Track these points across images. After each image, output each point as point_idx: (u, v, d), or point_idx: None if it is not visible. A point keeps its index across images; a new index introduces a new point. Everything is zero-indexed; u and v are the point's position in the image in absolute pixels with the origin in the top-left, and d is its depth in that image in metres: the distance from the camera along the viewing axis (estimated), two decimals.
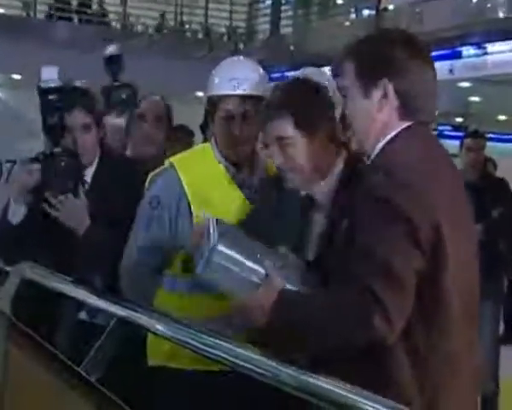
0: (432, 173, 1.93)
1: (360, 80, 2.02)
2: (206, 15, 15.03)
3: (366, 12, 12.66)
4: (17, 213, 2.93)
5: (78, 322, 3.05)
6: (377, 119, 2.02)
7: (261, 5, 15.65)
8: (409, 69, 2.00)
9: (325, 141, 2.31)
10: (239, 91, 2.64)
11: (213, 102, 2.69)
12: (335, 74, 2.15)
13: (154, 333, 2.29)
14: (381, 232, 1.86)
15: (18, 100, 12.71)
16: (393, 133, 2.00)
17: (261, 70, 2.75)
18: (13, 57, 12.00)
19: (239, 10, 15.46)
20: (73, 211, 2.93)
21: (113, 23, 14.26)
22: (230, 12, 15.32)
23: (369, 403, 1.55)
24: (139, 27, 14.61)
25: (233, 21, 15.29)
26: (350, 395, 1.59)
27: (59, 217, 2.91)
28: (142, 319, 2.32)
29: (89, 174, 3.10)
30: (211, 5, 15.06)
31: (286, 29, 14.77)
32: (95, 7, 14.34)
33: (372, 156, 2.04)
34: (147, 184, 2.77)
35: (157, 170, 2.77)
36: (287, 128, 2.27)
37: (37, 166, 2.89)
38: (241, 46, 14.18)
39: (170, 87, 12.29)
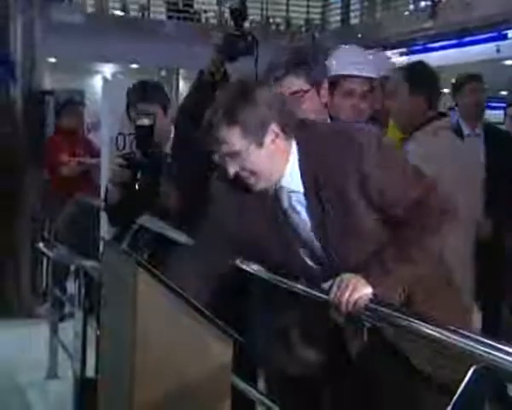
0: None
1: (249, 138, 1.91)
2: (287, 10, 14.93)
3: (423, 3, 12.33)
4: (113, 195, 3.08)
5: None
6: (276, 154, 1.96)
7: (333, 0, 15.42)
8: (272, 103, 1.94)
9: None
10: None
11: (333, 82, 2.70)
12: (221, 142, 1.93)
13: None
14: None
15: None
16: (293, 149, 1.98)
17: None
18: (131, 50, 12.23)
19: (314, 5, 15.28)
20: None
21: (211, 20, 14.24)
22: (307, 6, 15.16)
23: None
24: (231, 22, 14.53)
25: (310, 14, 15.14)
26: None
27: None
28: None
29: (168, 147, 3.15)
30: (291, 1, 14.95)
31: (354, 20, 14.52)
32: (196, 6, 14.35)
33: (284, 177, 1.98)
34: None
35: None
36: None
37: (127, 171, 3.01)
38: (317, 35, 14.00)
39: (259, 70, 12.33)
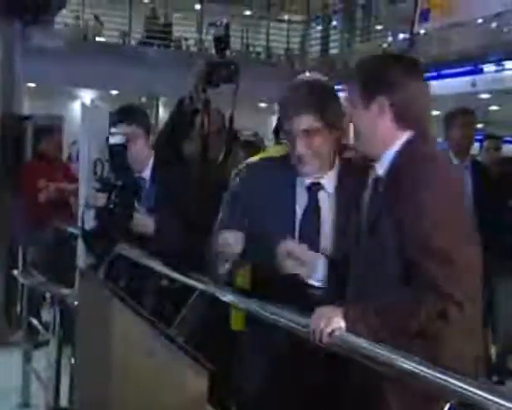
0: None
1: (362, 95, 2.01)
2: (267, 40, 15.08)
3: (401, 36, 12.52)
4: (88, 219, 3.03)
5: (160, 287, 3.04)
6: (377, 127, 2.00)
7: (312, 31, 15.59)
8: (403, 86, 1.97)
9: (338, 136, 2.26)
10: None
11: None
12: (348, 90, 2.07)
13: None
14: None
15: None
16: (399, 143, 1.97)
17: None
18: (111, 76, 12.25)
19: (294, 34, 15.45)
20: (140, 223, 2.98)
21: (192, 47, 14.34)
22: (287, 36, 15.32)
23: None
24: (213, 50, 14.65)
25: (290, 44, 15.29)
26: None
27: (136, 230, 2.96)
28: (215, 290, 2.40)
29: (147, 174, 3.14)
30: (271, 30, 15.09)
31: (333, 50, 14.70)
32: (177, 33, 14.45)
33: (382, 161, 2.00)
34: (231, 181, 2.81)
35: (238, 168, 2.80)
36: (313, 121, 2.20)
37: (102, 195, 2.96)
38: (297, 65, 14.14)
39: (238, 99, 12.42)
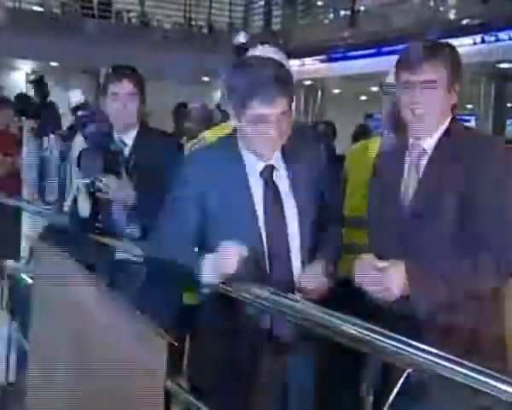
0: None
1: (449, 80, 2.05)
2: (209, 13, 14.95)
3: (342, 12, 12.58)
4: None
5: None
6: (448, 108, 2.10)
7: (255, 5, 15.53)
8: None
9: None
10: None
11: None
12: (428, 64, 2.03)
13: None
14: None
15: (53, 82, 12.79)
16: (447, 122, 2.10)
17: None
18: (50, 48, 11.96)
19: (237, 9, 15.36)
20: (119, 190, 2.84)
21: (133, 20, 14.11)
22: (230, 11, 15.22)
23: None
24: (155, 23, 14.48)
25: (232, 19, 15.20)
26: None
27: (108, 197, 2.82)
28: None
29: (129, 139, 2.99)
30: (214, 5, 14.97)
31: (276, 26, 14.68)
32: (119, 6, 14.18)
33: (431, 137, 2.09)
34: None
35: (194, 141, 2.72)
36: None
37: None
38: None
39: (181, 73, 12.37)
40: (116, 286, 2.65)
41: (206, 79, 13.53)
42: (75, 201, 2.90)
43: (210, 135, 2.72)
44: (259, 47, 2.68)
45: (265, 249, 2.17)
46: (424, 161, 2.10)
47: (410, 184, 2.11)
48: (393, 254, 1.98)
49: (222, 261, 2.03)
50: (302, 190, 2.23)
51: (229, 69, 2.25)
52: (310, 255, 2.22)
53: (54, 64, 13.51)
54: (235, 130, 2.25)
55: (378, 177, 2.28)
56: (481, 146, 2.06)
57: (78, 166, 2.82)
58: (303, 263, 2.21)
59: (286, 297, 1.94)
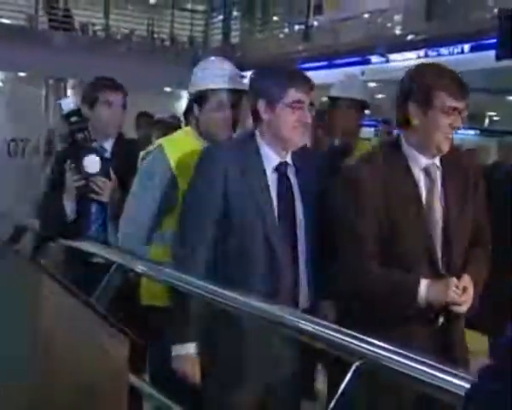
0: None
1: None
2: (171, 27, 14.86)
3: (297, 27, 12.64)
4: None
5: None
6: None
7: (215, 19, 15.50)
8: None
9: None
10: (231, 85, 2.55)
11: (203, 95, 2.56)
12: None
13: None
14: None
15: (22, 92, 12.59)
16: None
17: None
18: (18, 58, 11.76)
19: (198, 23, 15.31)
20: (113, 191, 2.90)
21: (98, 33, 13.93)
22: (191, 25, 15.16)
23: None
24: (119, 36, 14.33)
25: (193, 32, 15.14)
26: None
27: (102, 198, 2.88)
28: (133, 263, 2.36)
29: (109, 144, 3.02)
30: (176, 19, 14.89)
31: (234, 39, 14.68)
32: (84, 19, 13.97)
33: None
34: (140, 160, 2.70)
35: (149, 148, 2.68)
36: None
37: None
38: (200, 52, 14.03)
39: (144, 84, 12.28)
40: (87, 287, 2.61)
41: (168, 89, 13.46)
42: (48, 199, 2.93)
43: (165, 142, 2.70)
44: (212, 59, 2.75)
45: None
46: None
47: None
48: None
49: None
50: (306, 195, 2.28)
51: (256, 71, 2.32)
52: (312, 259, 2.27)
53: (21, 74, 13.29)
54: (253, 130, 2.29)
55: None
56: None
57: (76, 167, 2.83)
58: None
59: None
